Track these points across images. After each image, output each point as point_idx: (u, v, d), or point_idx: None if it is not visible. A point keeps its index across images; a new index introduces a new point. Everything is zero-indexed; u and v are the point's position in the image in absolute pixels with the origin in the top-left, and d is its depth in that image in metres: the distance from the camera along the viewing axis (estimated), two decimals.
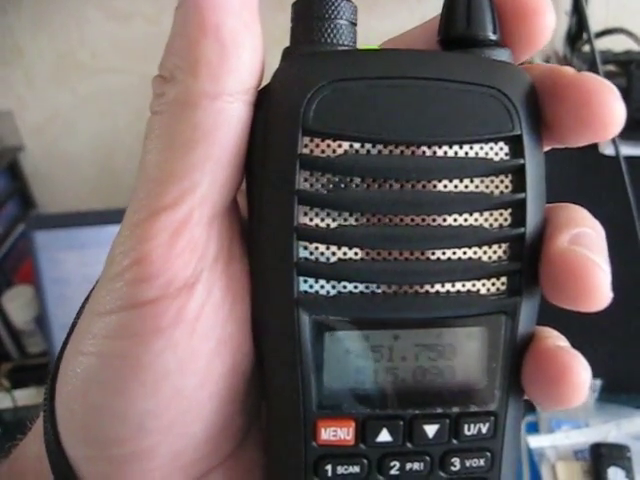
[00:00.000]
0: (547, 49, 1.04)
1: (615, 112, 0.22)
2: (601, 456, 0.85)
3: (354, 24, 0.23)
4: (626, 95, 0.82)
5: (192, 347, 0.23)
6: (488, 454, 0.24)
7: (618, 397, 0.96)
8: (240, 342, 0.24)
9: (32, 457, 0.26)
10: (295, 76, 0.22)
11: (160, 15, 1.10)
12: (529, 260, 0.23)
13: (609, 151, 0.78)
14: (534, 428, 0.91)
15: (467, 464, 0.24)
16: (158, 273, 0.22)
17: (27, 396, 1.10)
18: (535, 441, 0.88)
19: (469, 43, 0.23)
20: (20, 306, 1.12)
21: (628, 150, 0.77)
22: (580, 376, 0.23)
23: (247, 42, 0.22)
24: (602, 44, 0.94)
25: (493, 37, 0.23)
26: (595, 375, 0.97)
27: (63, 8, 1.12)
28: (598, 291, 0.22)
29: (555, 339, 0.24)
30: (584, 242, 0.23)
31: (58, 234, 1.03)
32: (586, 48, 0.86)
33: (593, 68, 0.77)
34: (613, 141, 0.71)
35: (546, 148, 0.25)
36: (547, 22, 0.23)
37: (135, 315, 0.22)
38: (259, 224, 0.23)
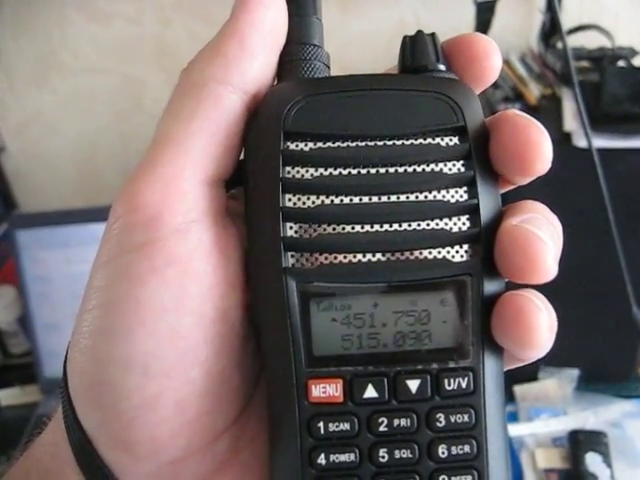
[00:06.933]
0: (522, 46, 1.06)
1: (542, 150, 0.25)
2: (579, 443, 0.87)
3: (328, 66, 0.29)
4: (599, 90, 0.84)
5: (185, 286, 0.25)
6: (471, 410, 0.26)
7: (596, 386, 0.98)
8: (228, 290, 0.26)
9: (46, 444, 0.29)
10: (279, 94, 0.27)
11: (141, 16, 1.10)
12: (486, 233, 0.26)
13: (582, 143, 0.80)
14: (514, 417, 0.93)
15: (452, 419, 0.26)
16: (149, 216, 0.25)
17: (11, 396, 1.11)
18: (514, 430, 0.90)
19: (418, 71, 0.28)
20: (3, 307, 1.12)
21: (600, 142, 0.79)
22: (533, 317, 0.25)
23: (261, 57, 0.27)
24: (576, 41, 0.96)
25: (438, 65, 0.28)
26: (573, 365, 0.99)
27: (44, 9, 1.12)
28: (540, 262, 0.25)
29: (520, 291, 0.26)
30: (531, 222, 0.25)
31: (40, 233, 1.03)
32: (560, 45, 0.88)
33: (566, 64, 0.79)
34: (586, 134, 0.72)
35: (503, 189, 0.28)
36: (495, 63, 0.27)
37: (131, 258, 0.25)
38: (251, 208, 0.27)
